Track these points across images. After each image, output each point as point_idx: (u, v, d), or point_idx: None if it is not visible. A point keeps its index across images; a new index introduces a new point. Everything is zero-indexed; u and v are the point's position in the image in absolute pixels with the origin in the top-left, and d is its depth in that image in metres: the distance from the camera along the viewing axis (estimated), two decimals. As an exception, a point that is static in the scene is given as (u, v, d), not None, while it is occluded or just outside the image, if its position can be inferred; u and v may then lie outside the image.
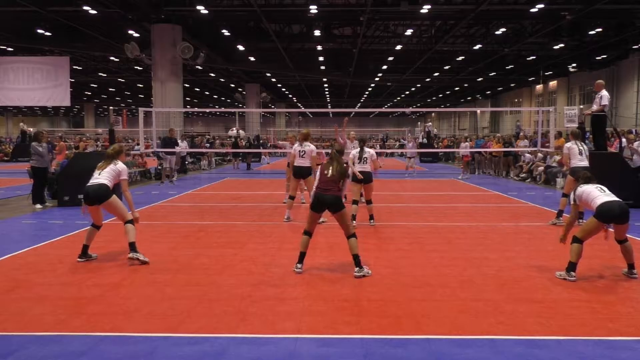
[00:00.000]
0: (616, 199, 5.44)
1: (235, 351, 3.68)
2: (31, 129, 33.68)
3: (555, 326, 4.14)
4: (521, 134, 21.58)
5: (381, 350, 3.70)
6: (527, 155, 18.03)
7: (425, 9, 19.35)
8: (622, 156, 11.47)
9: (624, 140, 12.43)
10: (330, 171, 5.75)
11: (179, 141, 18.31)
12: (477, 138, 24.46)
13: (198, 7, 19.28)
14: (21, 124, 37.47)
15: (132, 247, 6.11)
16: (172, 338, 3.91)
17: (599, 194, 5.48)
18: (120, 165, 6.39)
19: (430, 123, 41.63)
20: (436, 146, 31.22)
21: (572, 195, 5.82)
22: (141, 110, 16.89)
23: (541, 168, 16.38)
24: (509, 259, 6.35)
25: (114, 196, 6.21)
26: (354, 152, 8.85)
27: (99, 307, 4.58)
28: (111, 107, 14.42)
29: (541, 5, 18.96)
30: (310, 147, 9.14)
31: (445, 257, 6.45)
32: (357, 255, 5.58)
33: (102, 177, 6.19)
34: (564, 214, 8.50)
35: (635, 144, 11.78)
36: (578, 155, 8.46)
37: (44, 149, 11.00)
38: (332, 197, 5.65)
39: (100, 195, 6.06)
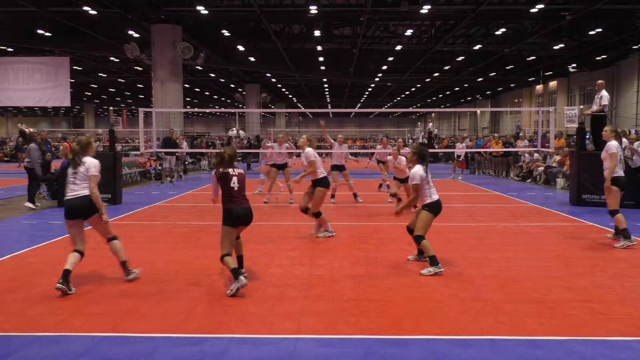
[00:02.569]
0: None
1: (236, 351, 3.68)
2: (31, 129, 33.69)
3: (555, 326, 4.14)
4: (521, 134, 21.56)
5: (381, 350, 3.69)
6: (527, 155, 18.03)
7: (425, 9, 19.35)
8: (623, 156, 11.44)
9: (624, 140, 12.40)
10: (234, 182, 5.14)
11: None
12: (477, 138, 24.43)
13: (198, 7, 19.27)
14: (19, 124, 37.50)
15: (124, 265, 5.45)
16: (172, 338, 3.91)
17: (433, 189, 5.84)
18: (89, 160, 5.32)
19: (431, 124, 41.59)
20: (436, 147, 31.22)
21: (417, 173, 5.76)
22: (141, 110, 16.87)
23: (541, 168, 16.38)
24: (509, 259, 6.35)
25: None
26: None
27: (99, 307, 4.58)
28: (111, 108, 14.41)
29: (541, 5, 18.96)
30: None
31: (445, 257, 6.44)
32: (242, 256, 5.43)
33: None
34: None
35: (636, 144, 11.76)
36: (619, 163, 7.28)
37: (33, 150, 10.96)
38: (245, 209, 5.20)
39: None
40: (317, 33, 23.99)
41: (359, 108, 65.90)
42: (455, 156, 19.19)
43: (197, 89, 48.26)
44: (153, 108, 20.14)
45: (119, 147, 22.07)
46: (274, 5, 20.25)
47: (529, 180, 16.87)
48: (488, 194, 13.43)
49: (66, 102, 24.55)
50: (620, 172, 7.23)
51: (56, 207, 10.84)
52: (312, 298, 4.84)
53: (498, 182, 16.84)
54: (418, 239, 5.79)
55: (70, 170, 5.29)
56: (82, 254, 5.20)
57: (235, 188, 5.17)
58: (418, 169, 5.82)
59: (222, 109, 68.76)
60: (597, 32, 24.88)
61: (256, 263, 6.13)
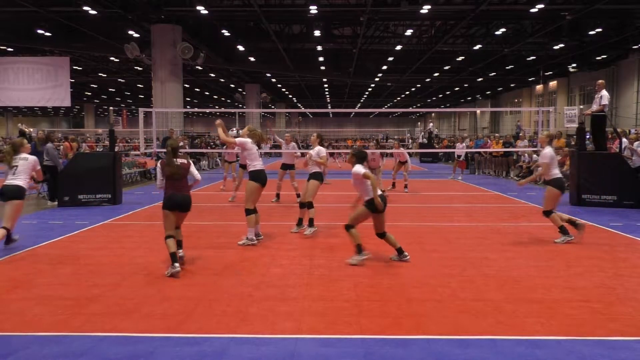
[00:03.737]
0: None
1: (236, 351, 3.68)
2: (30, 129, 33.64)
3: (555, 326, 4.14)
4: (521, 134, 21.55)
5: (381, 350, 3.69)
6: (527, 155, 18.02)
7: (425, 9, 19.35)
8: (622, 156, 11.47)
9: (624, 140, 12.41)
10: (177, 172, 5.76)
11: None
12: (476, 138, 24.42)
13: (198, 7, 19.27)
14: (19, 124, 37.52)
15: None
16: (172, 338, 3.91)
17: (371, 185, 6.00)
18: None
19: (432, 124, 41.61)
20: (436, 146, 31.22)
21: (361, 170, 6.02)
22: (141, 110, 16.90)
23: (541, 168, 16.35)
24: (509, 259, 6.35)
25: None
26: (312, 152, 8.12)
27: (99, 307, 4.58)
28: (111, 108, 14.41)
29: (541, 5, 18.96)
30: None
31: (445, 257, 6.45)
32: (180, 241, 6.01)
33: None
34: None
35: (635, 144, 11.77)
36: (557, 165, 7.50)
37: (52, 149, 11.63)
38: (183, 196, 5.80)
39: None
40: (317, 33, 23.99)
41: (359, 108, 65.91)
42: (456, 156, 19.18)
43: (197, 89, 48.26)
44: (153, 108, 20.14)
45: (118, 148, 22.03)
46: (274, 5, 20.25)
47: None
48: (488, 194, 13.43)
49: (66, 102, 24.56)
50: (559, 174, 7.34)
51: (56, 207, 10.84)
52: (312, 298, 4.84)
53: (498, 182, 16.84)
54: (347, 227, 6.08)
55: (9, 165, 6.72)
56: (7, 229, 6.61)
57: (177, 177, 5.78)
58: (359, 167, 6.08)
59: (222, 109, 68.77)
60: (597, 32, 24.88)
61: (256, 263, 6.14)
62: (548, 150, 7.32)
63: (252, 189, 6.96)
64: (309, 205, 7.93)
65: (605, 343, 3.83)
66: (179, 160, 5.79)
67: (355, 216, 6.10)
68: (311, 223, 7.95)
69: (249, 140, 7.15)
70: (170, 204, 5.76)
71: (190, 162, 6.00)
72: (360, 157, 6.23)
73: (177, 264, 5.55)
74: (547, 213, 7.28)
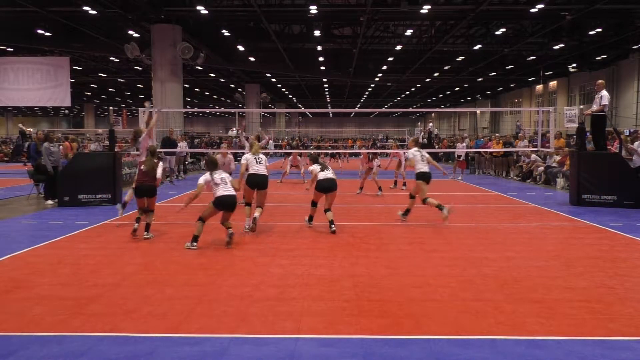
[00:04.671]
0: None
1: (236, 351, 3.68)
2: (30, 129, 33.67)
3: (555, 326, 4.14)
4: (520, 133, 21.53)
5: (381, 350, 3.70)
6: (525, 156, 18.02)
7: (425, 9, 19.34)
8: (622, 156, 11.46)
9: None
10: (145, 166, 7.60)
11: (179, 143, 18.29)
12: (476, 138, 24.41)
13: (198, 7, 19.27)
14: (20, 124, 37.51)
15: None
16: (172, 338, 3.91)
17: (220, 186, 7.06)
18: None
19: (432, 124, 41.56)
20: (436, 147, 31.17)
21: (202, 177, 7.21)
22: (141, 110, 16.87)
23: (541, 168, 16.38)
24: (509, 259, 6.35)
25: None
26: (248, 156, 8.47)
27: (99, 307, 4.58)
28: (111, 108, 14.41)
29: (541, 5, 18.96)
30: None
31: (446, 257, 6.45)
32: (149, 224, 7.64)
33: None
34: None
35: (636, 144, 11.76)
36: (421, 161, 9.13)
37: (56, 149, 11.75)
38: (147, 186, 7.60)
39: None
40: (317, 33, 23.98)
41: (359, 108, 65.91)
42: (456, 156, 19.18)
43: (197, 89, 48.25)
44: (153, 108, 20.11)
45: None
46: (274, 5, 20.24)
47: (529, 180, 16.87)
48: (488, 194, 13.43)
49: (66, 102, 24.56)
50: (423, 169, 9.04)
51: (56, 207, 10.84)
52: (312, 298, 4.84)
53: (498, 182, 16.84)
54: (199, 219, 6.97)
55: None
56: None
57: (144, 170, 7.62)
58: (205, 175, 7.20)
59: (222, 109, 68.78)
60: (597, 32, 24.87)
61: (256, 263, 6.14)
62: (411, 151, 9.35)
63: (245, 189, 8.34)
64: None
65: (605, 343, 3.83)
66: (154, 160, 7.72)
67: (205, 212, 7.04)
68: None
69: (250, 156, 8.46)
70: (139, 193, 7.61)
71: (160, 163, 7.85)
72: (209, 162, 7.37)
73: (146, 233, 7.55)
74: (424, 201, 8.76)
